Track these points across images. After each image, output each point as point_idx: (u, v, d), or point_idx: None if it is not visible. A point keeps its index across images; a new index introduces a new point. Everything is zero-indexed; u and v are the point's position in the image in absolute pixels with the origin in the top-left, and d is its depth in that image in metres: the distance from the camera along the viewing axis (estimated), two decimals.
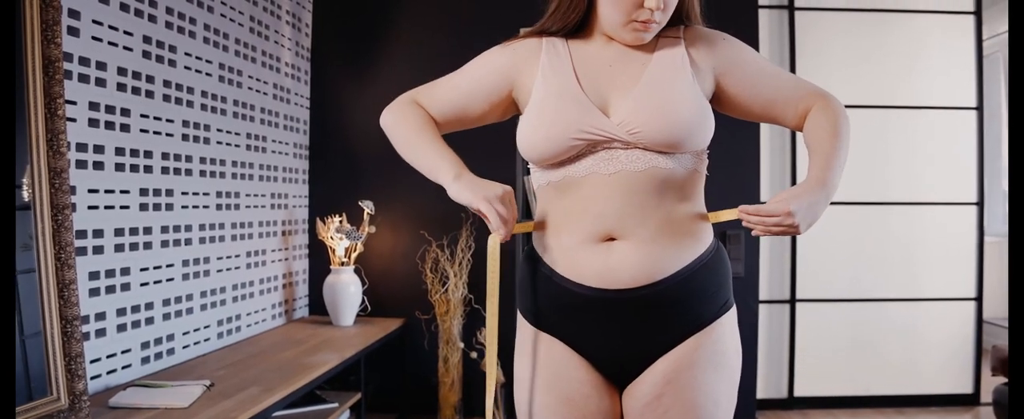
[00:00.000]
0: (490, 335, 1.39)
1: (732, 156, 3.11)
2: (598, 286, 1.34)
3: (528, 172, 1.48)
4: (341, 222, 3.14)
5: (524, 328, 1.47)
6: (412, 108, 1.51)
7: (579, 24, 1.42)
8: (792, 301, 3.39)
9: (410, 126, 1.48)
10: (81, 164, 1.95)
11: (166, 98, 2.31)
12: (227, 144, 2.68)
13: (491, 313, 1.38)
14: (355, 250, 3.17)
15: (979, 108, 3.44)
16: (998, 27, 4.90)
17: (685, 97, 1.33)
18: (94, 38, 1.98)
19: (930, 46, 3.45)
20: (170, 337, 2.36)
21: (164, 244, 2.31)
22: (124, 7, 2.11)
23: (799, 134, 1.52)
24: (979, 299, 3.46)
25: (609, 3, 1.33)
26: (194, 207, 2.48)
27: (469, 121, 1.51)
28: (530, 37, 1.48)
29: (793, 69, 3.36)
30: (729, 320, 1.40)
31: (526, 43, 1.47)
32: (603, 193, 1.33)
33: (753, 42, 3.31)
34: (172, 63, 2.34)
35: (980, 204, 3.46)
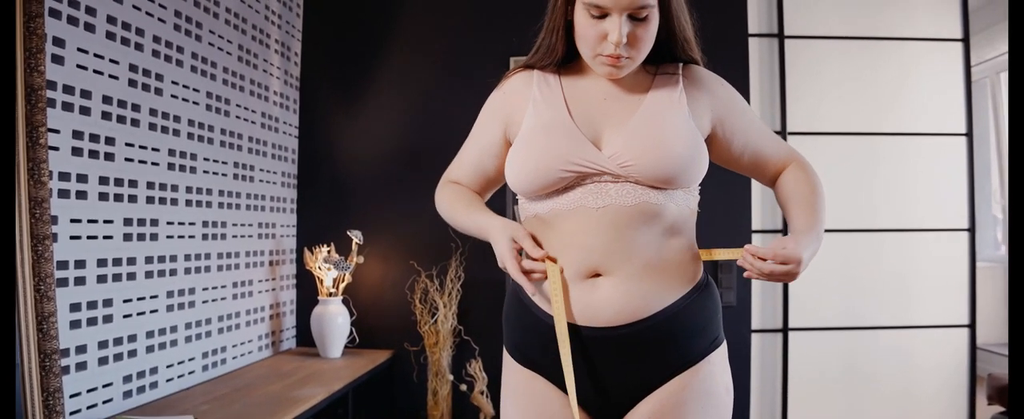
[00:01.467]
0: (569, 384, 1.29)
1: (723, 192, 3.10)
2: (581, 324, 1.32)
3: (517, 201, 1.46)
4: (329, 252, 3.11)
5: (509, 364, 1.45)
6: (447, 188, 1.54)
7: (567, 57, 1.42)
8: (784, 330, 3.36)
9: (447, 204, 1.51)
10: (63, 193, 1.91)
11: (152, 127, 2.28)
12: (214, 173, 2.65)
13: (565, 358, 1.29)
14: (343, 281, 3.13)
15: (969, 134, 3.45)
16: (986, 53, 4.94)
17: (680, 132, 1.32)
18: (79, 66, 1.96)
19: (919, 73, 3.46)
20: (153, 370, 2.31)
21: (148, 275, 2.27)
22: (110, 35, 2.08)
23: None
24: (972, 326, 3.44)
25: (578, 38, 1.32)
26: (179, 237, 2.44)
27: (494, 180, 1.52)
28: (521, 72, 1.47)
29: (783, 97, 3.36)
30: (718, 358, 1.37)
31: (517, 78, 1.46)
32: (590, 227, 1.31)
33: (744, 71, 3.32)
34: (158, 92, 2.32)
35: (972, 230, 3.45)
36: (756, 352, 3.38)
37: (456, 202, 1.48)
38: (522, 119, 1.40)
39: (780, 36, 3.39)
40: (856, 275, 3.43)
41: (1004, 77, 5.06)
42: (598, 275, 1.31)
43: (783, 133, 3.35)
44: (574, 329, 1.32)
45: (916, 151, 3.45)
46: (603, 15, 1.26)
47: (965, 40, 3.44)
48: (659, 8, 1.29)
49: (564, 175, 1.30)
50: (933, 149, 3.46)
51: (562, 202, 1.33)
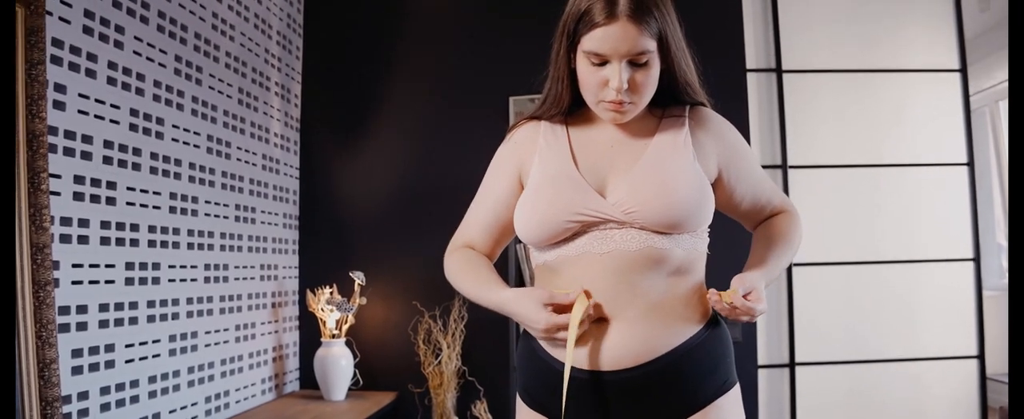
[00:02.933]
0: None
1: (731, 230, 3.09)
2: (586, 368, 1.31)
3: (519, 240, 1.46)
4: (332, 294, 3.09)
5: (521, 407, 1.44)
6: (454, 256, 1.51)
7: (573, 105, 1.42)
8: (791, 365, 3.33)
9: (455, 275, 1.48)
10: (65, 238, 1.91)
11: (153, 170, 2.29)
12: (215, 216, 2.65)
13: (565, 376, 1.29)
14: (346, 322, 3.11)
15: (970, 164, 3.44)
16: (984, 83, 4.96)
17: (684, 177, 1.31)
18: (80, 112, 1.97)
19: (918, 104, 3.47)
20: (156, 416, 2.28)
21: (150, 319, 2.26)
22: (111, 81, 2.10)
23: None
24: (981, 357, 3.41)
25: (581, 86, 1.33)
26: (181, 280, 2.43)
27: (511, 230, 1.48)
28: (528, 122, 1.48)
29: (783, 131, 3.37)
30: (729, 402, 1.35)
31: (525, 129, 1.48)
32: (594, 273, 1.30)
33: (743, 106, 3.33)
34: (159, 135, 2.33)
35: (976, 260, 3.43)
36: (763, 388, 3.34)
37: (463, 274, 1.46)
38: (530, 167, 1.41)
39: (778, 71, 3.41)
40: (862, 308, 3.41)
41: (1003, 105, 5.08)
42: (603, 320, 1.31)
43: (783, 167, 3.35)
44: (581, 373, 1.31)
45: (918, 182, 3.45)
46: (603, 62, 1.27)
47: (962, 70, 3.46)
48: (659, 53, 1.30)
49: (569, 225, 1.30)
50: (935, 179, 3.45)
51: (568, 250, 1.33)
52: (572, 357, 1.27)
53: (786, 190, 3.33)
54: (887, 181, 3.44)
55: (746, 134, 3.33)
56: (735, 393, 1.37)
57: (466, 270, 1.45)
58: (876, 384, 3.39)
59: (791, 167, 3.38)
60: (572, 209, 1.30)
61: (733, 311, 1.25)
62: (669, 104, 1.42)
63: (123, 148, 2.15)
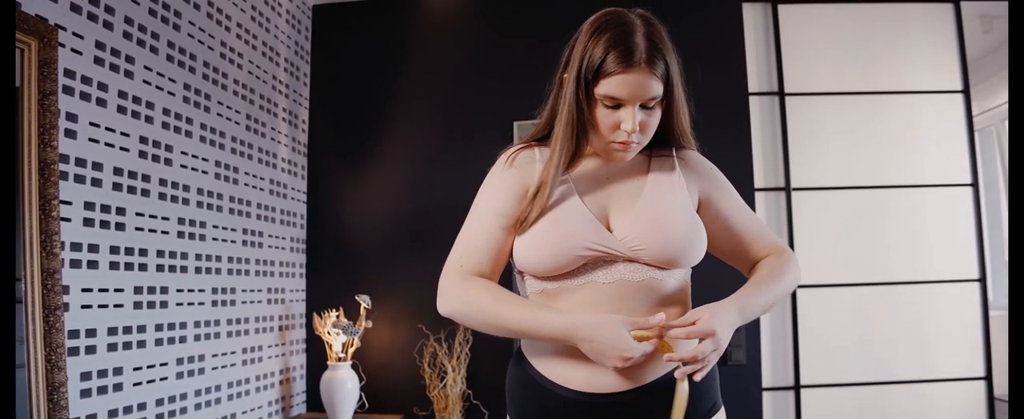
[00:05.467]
0: None
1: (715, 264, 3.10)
2: (583, 390, 1.34)
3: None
4: (338, 317, 3.12)
5: None
6: (475, 286, 1.36)
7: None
8: (797, 387, 3.33)
9: (492, 305, 1.33)
10: (75, 263, 1.95)
11: (162, 196, 2.33)
12: (223, 240, 2.69)
13: None
14: (352, 345, 3.13)
15: (974, 184, 3.45)
16: (989, 103, 4.97)
17: (683, 218, 1.38)
18: (91, 140, 2.01)
19: (921, 125, 3.48)
20: None
21: (158, 342, 2.29)
22: (121, 109, 2.14)
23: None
24: (989, 377, 3.40)
25: (593, 128, 1.37)
26: (189, 304, 2.46)
27: (509, 252, 1.44)
28: (524, 149, 1.50)
29: (786, 153, 3.39)
30: None
31: (522, 154, 1.49)
32: (596, 300, 1.34)
33: (745, 129, 3.35)
34: (168, 162, 2.37)
35: (982, 280, 3.43)
36: (768, 411, 3.34)
37: (501, 303, 1.32)
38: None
39: (780, 93, 3.43)
40: (868, 329, 3.41)
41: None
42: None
43: (787, 189, 3.36)
44: (576, 395, 1.33)
45: (923, 202, 3.45)
46: (618, 105, 1.32)
47: (965, 92, 3.48)
48: (663, 96, 1.35)
49: (579, 259, 1.34)
50: (940, 200, 3.46)
51: (576, 280, 1.36)
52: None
53: (790, 212, 3.34)
54: (892, 202, 3.45)
55: (748, 157, 3.35)
56: (721, 417, 1.41)
57: (505, 299, 1.32)
58: (883, 406, 3.38)
59: (795, 189, 3.39)
60: (582, 243, 1.33)
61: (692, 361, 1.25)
62: (655, 145, 1.47)
63: (132, 174, 2.19)
